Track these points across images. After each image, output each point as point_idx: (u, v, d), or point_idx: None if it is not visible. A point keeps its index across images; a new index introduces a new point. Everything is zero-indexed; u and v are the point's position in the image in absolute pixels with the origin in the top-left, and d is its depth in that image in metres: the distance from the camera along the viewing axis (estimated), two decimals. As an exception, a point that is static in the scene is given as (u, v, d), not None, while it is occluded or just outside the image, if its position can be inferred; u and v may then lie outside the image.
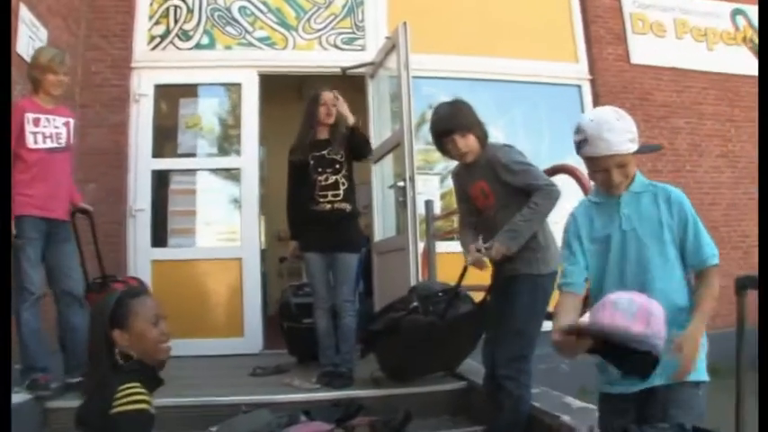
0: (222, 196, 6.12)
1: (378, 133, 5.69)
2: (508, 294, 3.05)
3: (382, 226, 5.74)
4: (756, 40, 8.26)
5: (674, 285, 2.20)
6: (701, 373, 2.22)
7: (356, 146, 4.14)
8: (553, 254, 3.08)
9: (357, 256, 4.20)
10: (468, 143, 3.05)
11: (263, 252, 6.66)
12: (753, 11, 8.22)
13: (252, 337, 5.55)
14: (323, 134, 4.19)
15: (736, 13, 8.19)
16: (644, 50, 7.51)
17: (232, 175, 5.96)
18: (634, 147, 2.14)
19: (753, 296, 2.32)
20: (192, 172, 6.04)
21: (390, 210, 5.76)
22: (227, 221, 6.05)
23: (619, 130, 2.12)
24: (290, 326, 4.87)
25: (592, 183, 2.42)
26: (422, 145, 5.78)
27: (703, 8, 8.01)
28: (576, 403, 3.10)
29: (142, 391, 1.93)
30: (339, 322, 4.09)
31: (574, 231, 2.34)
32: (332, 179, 4.09)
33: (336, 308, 4.10)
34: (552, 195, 2.94)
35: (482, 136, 3.11)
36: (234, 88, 6.00)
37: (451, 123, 3.06)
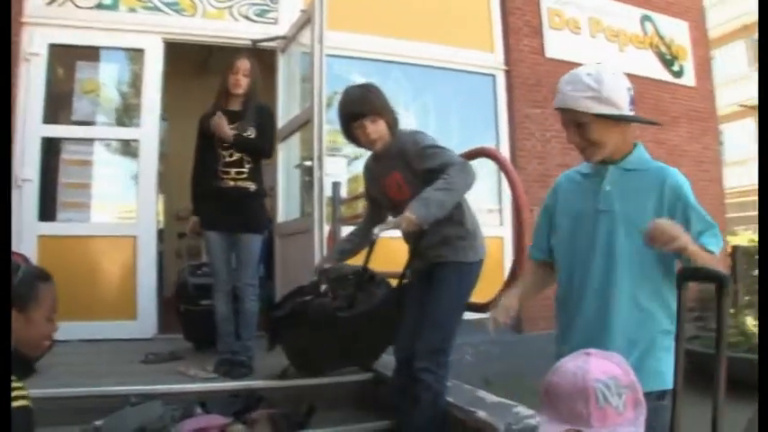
0: (119, 170, 5.68)
1: (286, 111, 5.45)
2: (432, 282, 2.92)
3: (286, 208, 5.50)
4: (662, 48, 8.53)
5: (645, 289, 1.95)
6: (665, 380, 1.84)
7: (247, 151, 3.87)
8: (481, 242, 3.00)
9: (260, 238, 3.96)
10: (379, 129, 2.91)
11: (160, 232, 6.31)
12: (660, 19, 8.49)
13: (145, 321, 5.19)
14: (234, 105, 3.90)
15: (644, 19, 8.46)
16: (559, 45, 7.61)
17: (130, 147, 5.55)
18: (597, 107, 1.91)
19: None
20: (87, 142, 5.55)
21: (295, 191, 5.57)
22: (122, 197, 5.64)
23: (580, 85, 1.91)
24: (187, 308, 4.58)
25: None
26: (330, 126, 5.58)
27: (616, 10, 8.21)
28: (490, 398, 2.99)
29: (18, 384, 1.66)
30: (240, 306, 3.84)
31: (547, 204, 2.19)
32: (236, 156, 3.82)
33: (237, 291, 3.85)
34: (466, 169, 2.78)
35: (392, 123, 2.97)
36: (136, 55, 5.58)
37: (362, 107, 2.91)
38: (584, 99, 1.91)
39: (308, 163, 4.48)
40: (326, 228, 4.55)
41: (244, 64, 3.84)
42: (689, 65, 8.81)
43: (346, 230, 4.80)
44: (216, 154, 3.80)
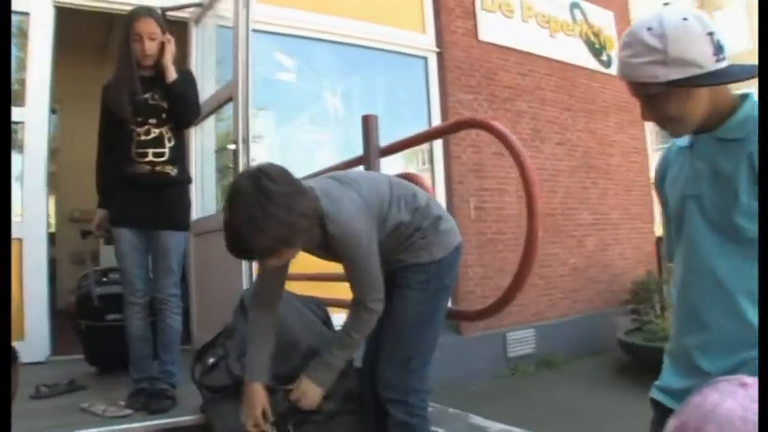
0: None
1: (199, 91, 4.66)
2: (392, 289, 2.25)
3: (201, 201, 4.74)
4: (591, 36, 8.35)
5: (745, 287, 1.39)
6: None
7: (174, 107, 3.10)
8: (447, 229, 2.32)
9: (184, 236, 3.21)
10: (291, 253, 2.04)
11: (51, 235, 5.44)
12: (588, 7, 8.38)
13: (35, 341, 4.29)
14: (145, 71, 3.12)
15: (573, 6, 8.34)
16: (492, 28, 7.26)
17: (13, 132, 4.63)
18: (666, 73, 1.33)
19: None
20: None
21: (211, 182, 4.88)
22: (3, 191, 4.70)
23: (640, 47, 1.34)
24: (90, 325, 3.77)
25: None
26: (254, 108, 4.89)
27: (546, -5, 7.95)
28: (494, 425, 2.39)
29: None
30: (159, 323, 3.10)
31: (658, 182, 1.63)
32: (155, 132, 3.06)
33: (156, 303, 3.10)
34: (364, 321, 2.17)
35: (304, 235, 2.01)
36: (21, 19, 4.66)
37: (252, 252, 1.97)
38: (648, 65, 1.35)
39: (230, 146, 3.75)
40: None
41: (146, 26, 3.05)
42: (616, 55, 8.62)
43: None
44: (127, 132, 3.03)
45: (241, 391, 2.25)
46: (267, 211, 1.83)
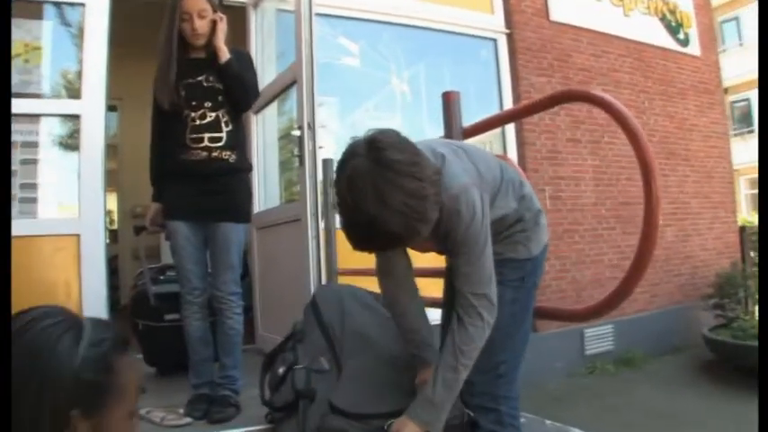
0: (55, 154, 4.57)
1: (259, 78, 4.42)
2: None
3: (264, 193, 4.52)
4: (667, 14, 7.88)
5: None
6: None
7: (230, 89, 2.85)
8: (544, 225, 2.07)
9: (245, 229, 2.97)
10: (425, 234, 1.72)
11: (113, 232, 5.32)
12: None
13: (94, 339, 4.11)
14: (198, 53, 2.88)
15: None
16: (563, 8, 6.83)
17: (68, 126, 4.47)
18: None
19: None
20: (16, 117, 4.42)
21: (273, 172, 4.64)
22: (59, 186, 4.52)
23: None
24: (148, 325, 3.58)
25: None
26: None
27: (621, -28, 7.51)
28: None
29: None
30: (219, 324, 2.87)
31: None
32: (210, 116, 2.82)
33: (215, 302, 2.86)
34: (485, 323, 1.81)
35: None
36: (75, 9, 4.48)
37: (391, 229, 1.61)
38: None
39: (295, 132, 3.49)
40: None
41: (195, 3, 2.80)
42: (694, 33, 8.14)
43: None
44: (181, 117, 2.80)
45: (302, 406, 1.99)
46: (396, 184, 1.55)
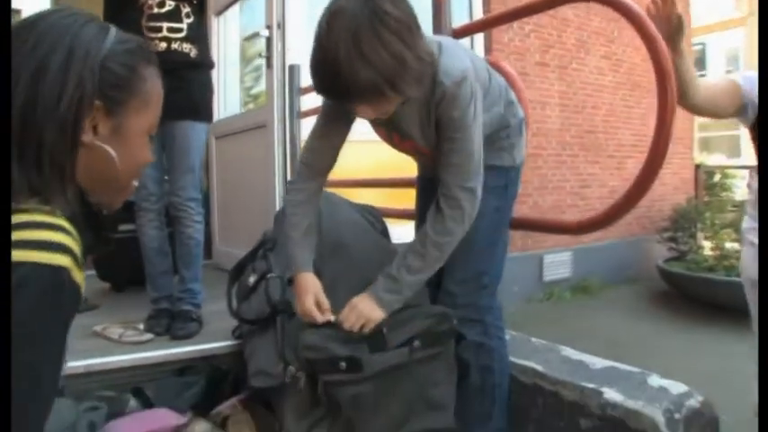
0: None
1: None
2: None
3: (224, 100, 4.23)
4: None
5: None
6: None
7: None
8: (524, 136, 1.96)
9: (206, 129, 2.71)
10: (385, 107, 1.56)
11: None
12: None
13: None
14: None
15: None
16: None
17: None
18: None
19: None
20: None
21: (234, 78, 4.36)
22: None
23: None
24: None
25: None
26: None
27: None
28: (597, 362, 1.93)
29: (69, 233, 0.81)
30: (177, 234, 2.63)
31: None
32: (170, 5, 2.51)
33: (173, 210, 2.62)
34: (465, 217, 1.66)
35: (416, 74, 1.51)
36: None
37: (339, 93, 1.49)
38: None
39: (263, 33, 3.20)
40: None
41: None
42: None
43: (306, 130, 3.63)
44: (136, 4, 2.50)
45: (280, 321, 1.83)
46: (380, 36, 1.38)
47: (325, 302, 1.71)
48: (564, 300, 6.36)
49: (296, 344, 1.71)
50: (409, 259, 1.67)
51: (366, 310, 1.65)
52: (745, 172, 8.02)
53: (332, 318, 1.68)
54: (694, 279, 5.92)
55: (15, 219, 0.77)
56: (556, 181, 6.54)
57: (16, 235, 0.75)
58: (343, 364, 1.66)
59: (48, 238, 0.77)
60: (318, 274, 1.78)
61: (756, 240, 2.08)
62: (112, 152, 0.90)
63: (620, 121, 7.32)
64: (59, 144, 0.83)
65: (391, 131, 1.78)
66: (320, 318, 1.68)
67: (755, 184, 2.17)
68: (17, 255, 0.74)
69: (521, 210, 6.01)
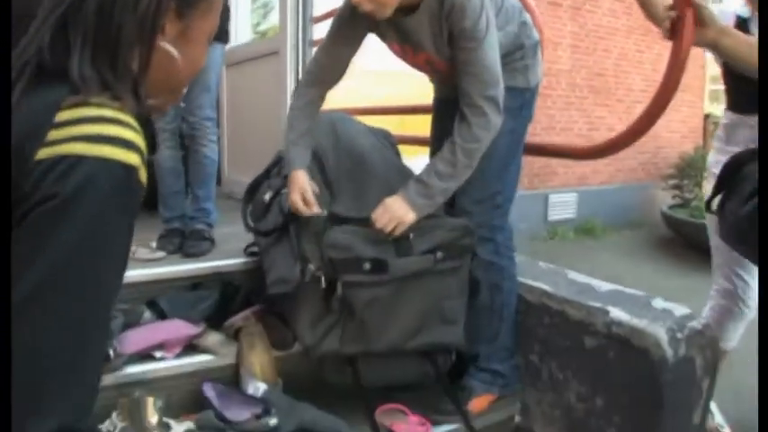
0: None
1: None
2: None
3: (234, 27, 4.17)
4: None
5: None
6: None
7: None
8: (539, 60, 1.96)
9: (223, 50, 2.69)
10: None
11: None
12: None
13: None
14: None
15: None
16: None
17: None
18: None
19: None
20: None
21: (245, 8, 4.30)
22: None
23: None
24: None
25: None
26: None
27: None
28: (601, 285, 1.98)
29: (137, 131, 0.75)
30: (192, 153, 2.64)
31: None
32: None
33: (188, 129, 2.62)
34: (490, 124, 1.69)
35: None
36: None
37: None
38: None
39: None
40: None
41: None
42: None
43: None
44: None
45: (293, 229, 1.87)
46: None
47: (311, 198, 1.77)
48: (567, 239, 6.42)
49: (318, 242, 1.75)
50: (439, 166, 1.70)
51: (400, 212, 1.69)
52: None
53: (319, 211, 1.76)
54: (697, 226, 5.95)
55: (80, 112, 0.72)
56: (564, 122, 6.53)
57: (79, 129, 0.70)
58: (367, 265, 1.71)
59: (119, 134, 0.72)
60: (332, 188, 1.83)
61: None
62: (177, 54, 0.88)
63: (631, 66, 7.26)
64: (137, 42, 0.80)
65: (404, 44, 1.81)
66: (305, 210, 1.75)
67: (726, 120, 2.23)
68: (80, 148, 0.68)
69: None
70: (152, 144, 0.85)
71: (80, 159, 0.67)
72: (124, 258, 0.74)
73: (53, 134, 0.68)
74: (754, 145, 1.53)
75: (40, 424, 0.63)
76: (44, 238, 0.66)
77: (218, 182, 3.90)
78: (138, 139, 0.74)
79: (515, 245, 2.00)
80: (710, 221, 2.21)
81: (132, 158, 0.72)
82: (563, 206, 6.64)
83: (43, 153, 0.67)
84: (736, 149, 1.73)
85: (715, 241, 2.23)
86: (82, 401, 0.68)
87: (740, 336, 2.31)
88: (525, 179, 6.22)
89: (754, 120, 2.00)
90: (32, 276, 0.65)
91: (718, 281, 2.32)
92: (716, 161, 2.15)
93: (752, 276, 2.23)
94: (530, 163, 6.30)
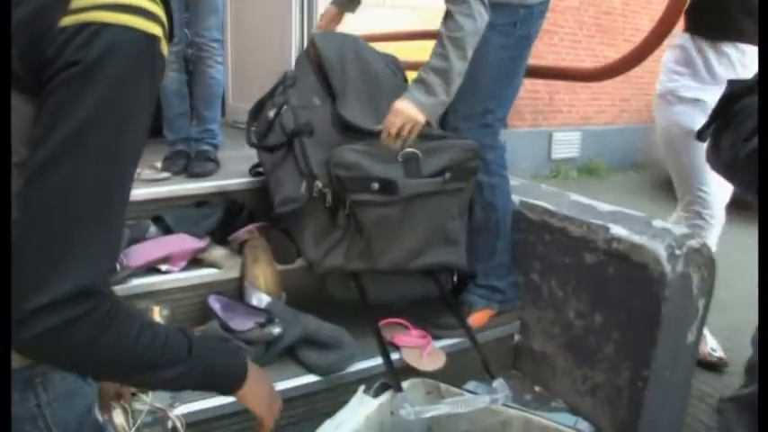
0: None
1: None
2: None
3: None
4: None
5: None
6: None
7: None
8: None
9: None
10: None
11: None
12: None
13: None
14: None
15: None
16: None
17: None
18: None
19: None
20: None
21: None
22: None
23: None
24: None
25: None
26: None
27: None
28: (601, 206, 2.00)
29: (160, 5, 0.74)
30: (198, 74, 2.63)
31: None
32: None
33: (195, 50, 2.61)
34: (473, 11, 1.69)
35: None
36: None
37: None
38: None
39: None
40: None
41: None
42: None
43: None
44: None
45: (299, 144, 1.87)
46: None
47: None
48: (570, 178, 6.42)
49: (326, 159, 1.77)
50: (433, 61, 1.71)
51: (412, 113, 1.71)
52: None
53: None
54: (703, 169, 5.94)
55: None
56: (570, 60, 6.45)
57: None
58: (375, 185, 1.73)
59: (142, 5, 0.71)
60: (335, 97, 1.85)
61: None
62: None
63: (639, 5, 7.13)
64: None
65: None
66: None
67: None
68: (103, 16, 0.68)
69: (534, 85, 5.98)
70: (171, 32, 0.82)
71: (103, 27, 0.67)
72: (145, 126, 0.75)
73: (77, 2, 0.68)
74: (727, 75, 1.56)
75: (61, 280, 0.65)
76: (67, 103, 0.66)
77: (222, 111, 3.90)
78: (160, 12, 0.73)
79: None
80: (674, 141, 2.36)
81: (155, 29, 0.71)
82: (567, 145, 6.61)
83: (67, 20, 0.67)
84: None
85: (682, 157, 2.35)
86: (104, 263, 0.70)
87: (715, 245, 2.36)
88: (529, 116, 6.19)
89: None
90: (57, 136, 0.66)
91: (685, 197, 2.46)
92: (683, 86, 2.37)
93: (710, 190, 2.34)
94: (533, 100, 6.26)
